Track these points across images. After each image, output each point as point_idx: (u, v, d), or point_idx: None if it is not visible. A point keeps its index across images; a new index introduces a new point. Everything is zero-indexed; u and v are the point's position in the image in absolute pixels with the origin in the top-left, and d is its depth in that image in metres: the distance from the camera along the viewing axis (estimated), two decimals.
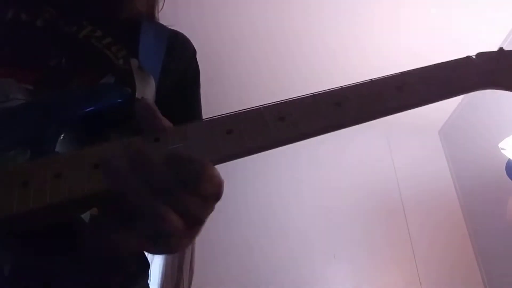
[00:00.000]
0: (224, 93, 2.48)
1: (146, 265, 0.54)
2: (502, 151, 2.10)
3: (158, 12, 0.68)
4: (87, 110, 0.42)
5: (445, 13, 2.10)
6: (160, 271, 2.25)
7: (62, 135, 0.40)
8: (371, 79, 0.42)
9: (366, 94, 0.40)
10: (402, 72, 0.42)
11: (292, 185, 2.60)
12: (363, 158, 2.74)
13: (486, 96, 2.46)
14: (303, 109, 0.38)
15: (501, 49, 0.44)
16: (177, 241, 0.31)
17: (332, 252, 2.46)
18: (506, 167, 2.18)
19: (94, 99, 0.44)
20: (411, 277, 2.44)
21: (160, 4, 0.67)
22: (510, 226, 2.20)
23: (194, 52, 0.72)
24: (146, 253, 0.51)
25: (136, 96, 0.51)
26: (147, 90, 0.55)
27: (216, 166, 0.32)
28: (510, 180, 2.15)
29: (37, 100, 0.46)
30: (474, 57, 0.45)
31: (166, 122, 0.35)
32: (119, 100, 0.44)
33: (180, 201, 0.29)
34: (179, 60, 0.66)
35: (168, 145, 0.34)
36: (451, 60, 0.45)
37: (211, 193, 0.30)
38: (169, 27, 0.69)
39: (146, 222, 0.29)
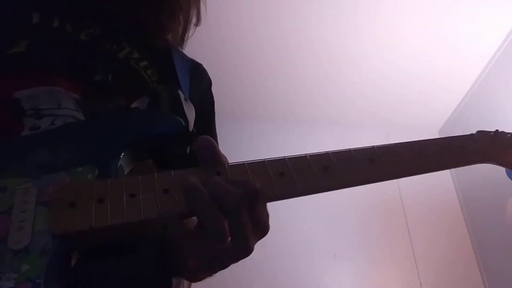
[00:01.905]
0: (235, 97, 2.48)
1: None
2: None
3: (187, 40, 0.69)
4: (148, 134, 0.45)
5: (445, 13, 2.10)
6: None
7: (122, 156, 0.43)
8: (402, 143, 0.50)
9: (393, 155, 0.48)
10: (424, 140, 0.51)
11: None
12: None
13: (486, 96, 2.46)
14: (344, 162, 0.44)
15: (497, 130, 0.55)
16: (228, 263, 0.36)
17: (332, 252, 2.46)
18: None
19: (155, 125, 0.46)
20: (411, 277, 2.44)
21: (191, 32, 0.69)
22: (510, 226, 2.20)
23: (210, 83, 0.74)
24: None
25: (189, 127, 0.55)
26: (192, 120, 0.59)
27: None
28: (510, 180, 2.15)
29: (99, 119, 0.48)
30: (475, 134, 0.55)
31: (225, 158, 0.39)
32: (175, 130, 0.46)
33: (242, 224, 0.34)
34: (199, 91, 0.68)
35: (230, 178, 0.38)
36: (460, 136, 0.55)
37: (265, 223, 0.36)
38: (189, 57, 0.71)
39: (212, 240, 0.34)
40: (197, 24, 0.68)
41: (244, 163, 0.41)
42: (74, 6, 0.58)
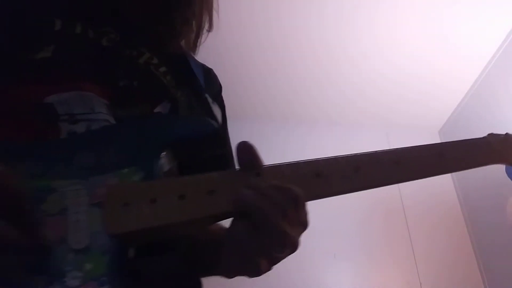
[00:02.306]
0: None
1: None
2: None
3: (199, 46, 0.71)
4: (185, 135, 0.47)
5: (444, 13, 2.10)
6: None
7: (162, 156, 0.45)
8: (422, 145, 0.54)
9: (415, 156, 0.51)
10: (441, 143, 0.55)
11: None
12: None
13: (486, 96, 2.46)
14: (372, 163, 0.47)
15: (507, 134, 0.59)
16: (277, 261, 0.39)
17: (332, 252, 2.46)
18: (506, 167, 2.18)
19: (191, 127, 0.48)
20: (411, 277, 2.44)
21: (203, 39, 0.70)
22: (510, 226, 2.20)
23: (221, 87, 0.75)
24: None
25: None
26: (220, 122, 0.62)
27: None
28: (510, 180, 2.15)
29: (140, 121, 0.49)
30: (487, 136, 0.58)
31: (262, 161, 0.41)
32: (209, 131, 0.48)
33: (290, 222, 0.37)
34: (211, 96, 0.69)
35: (269, 179, 0.41)
36: (473, 139, 0.57)
37: (304, 220, 0.39)
38: (200, 62, 0.73)
39: (268, 237, 0.36)
40: (210, 30, 0.69)
41: (281, 165, 0.43)
42: (94, 14, 0.59)
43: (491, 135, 0.59)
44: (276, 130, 2.78)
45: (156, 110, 0.55)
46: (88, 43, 0.55)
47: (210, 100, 0.61)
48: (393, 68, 2.44)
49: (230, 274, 0.44)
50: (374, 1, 2.04)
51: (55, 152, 0.42)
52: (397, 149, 0.50)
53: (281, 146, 2.56)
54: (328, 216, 2.53)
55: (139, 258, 0.41)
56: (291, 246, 0.38)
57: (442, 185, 2.76)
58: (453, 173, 2.80)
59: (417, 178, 0.51)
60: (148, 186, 0.39)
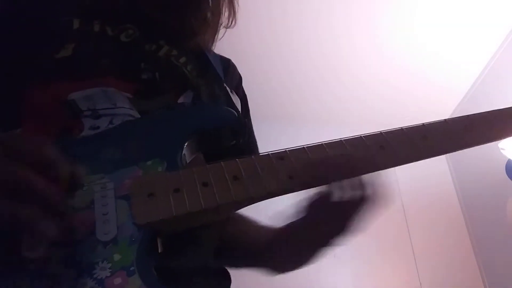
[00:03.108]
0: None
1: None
2: (502, 151, 2.10)
3: (216, 42, 0.71)
4: (207, 126, 0.47)
5: (443, 14, 2.10)
6: None
7: (185, 147, 0.45)
8: (446, 119, 0.52)
9: (443, 131, 0.50)
10: (467, 116, 0.53)
11: None
12: None
13: (486, 96, 2.46)
14: (398, 140, 0.47)
15: None
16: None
17: (332, 252, 2.46)
18: (506, 167, 2.18)
19: (213, 117, 0.48)
20: (411, 277, 2.44)
21: (220, 34, 0.70)
22: (510, 226, 2.20)
23: (240, 78, 0.76)
24: None
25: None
26: (240, 111, 0.62)
27: None
28: (510, 180, 2.16)
29: (162, 113, 0.50)
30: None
31: None
32: (231, 121, 0.49)
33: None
34: (232, 87, 0.70)
35: (293, 163, 0.42)
36: (502, 109, 0.55)
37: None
38: (219, 54, 0.73)
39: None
40: (229, 26, 0.70)
41: (304, 147, 0.44)
42: (111, 11, 0.60)
43: None
44: (283, 130, 2.78)
45: (180, 100, 0.55)
46: (107, 40, 0.56)
47: (228, 89, 0.62)
48: (395, 71, 2.44)
49: (276, 267, 0.45)
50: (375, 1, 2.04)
51: (81, 147, 0.44)
52: (423, 124, 0.50)
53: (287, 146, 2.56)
54: None
55: (168, 253, 0.42)
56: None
57: (442, 185, 2.76)
58: (453, 173, 2.80)
59: (444, 153, 0.49)
60: (172, 176, 0.40)
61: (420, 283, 2.42)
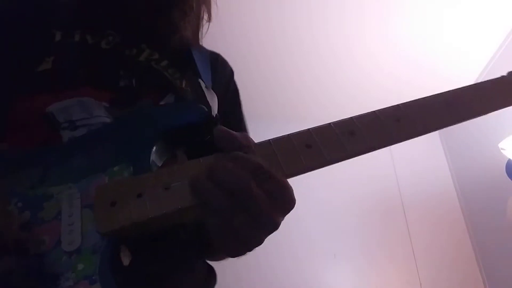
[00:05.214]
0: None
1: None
2: (502, 151, 2.10)
3: (202, 37, 0.71)
4: (172, 126, 0.46)
5: (442, 15, 2.10)
6: None
7: (153, 149, 0.44)
8: (427, 96, 0.48)
9: (420, 109, 0.46)
10: (455, 90, 0.48)
11: (292, 185, 2.58)
12: (362, 157, 2.74)
13: None
14: (369, 125, 0.43)
15: None
16: (257, 238, 0.38)
17: (332, 252, 2.46)
18: (506, 167, 2.18)
19: (181, 115, 0.47)
20: (411, 277, 2.44)
21: (204, 29, 0.71)
22: (510, 225, 2.20)
23: (232, 72, 0.76)
24: None
25: (212, 113, 0.57)
26: (215, 106, 0.61)
27: None
28: (510, 180, 2.16)
29: (127, 117, 0.49)
30: (506, 75, 0.52)
31: (246, 140, 0.40)
32: (200, 118, 0.47)
33: (258, 204, 0.36)
34: (222, 82, 0.70)
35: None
36: (491, 80, 0.50)
37: (285, 200, 0.38)
38: (208, 49, 0.73)
39: (218, 217, 0.36)
40: (209, 20, 0.70)
41: (270, 141, 0.42)
42: (92, 19, 0.60)
43: (510, 72, 0.52)
44: (278, 130, 2.78)
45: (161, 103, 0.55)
46: (87, 49, 0.57)
47: (203, 85, 0.61)
48: (395, 67, 2.44)
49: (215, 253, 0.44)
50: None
51: (54, 157, 0.44)
52: (398, 105, 0.46)
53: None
54: (328, 216, 2.54)
55: (143, 256, 0.42)
56: (265, 225, 0.37)
57: (442, 185, 2.76)
58: (453, 173, 2.80)
59: (421, 134, 0.45)
60: (133, 182, 0.40)
61: (420, 283, 2.43)
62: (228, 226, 0.36)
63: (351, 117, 0.44)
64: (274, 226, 0.37)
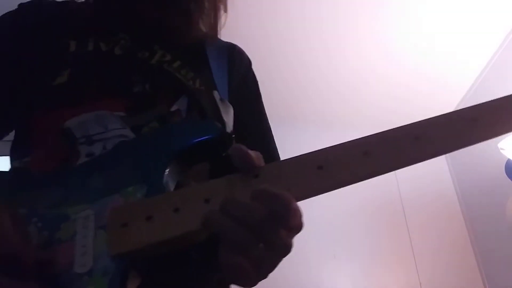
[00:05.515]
0: None
1: None
2: (501, 151, 2.11)
3: (221, 29, 0.69)
4: (186, 145, 0.46)
5: (443, 15, 2.10)
6: None
7: (167, 170, 0.44)
8: (448, 113, 0.44)
9: (443, 127, 0.42)
10: (472, 106, 0.43)
11: None
12: None
13: (486, 96, 2.46)
14: (385, 145, 0.40)
15: None
16: (272, 266, 0.37)
17: (332, 252, 2.46)
18: (505, 167, 2.18)
19: (193, 134, 0.47)
20: (411, 277, 2.44)
21: (223, 20, 0.69)
22: (510, 225, 2.20)
23: (249, 63, 0.74)
24: None
25: (226, 129, 0.56)
26: (230, 121, 0.60)
27: None
28: (510, 180, 2.16)
29: (141, 138, 0.49)
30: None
31: (259, 159, 0.39)
32: (213, 135, 0.47)
33: (273, 233, 0.35)
34: (240, 73, 0.69)
35: (267, 180, 0.39)
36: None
37: (295, 225, 0.37)
38: (225, 41, 0.71)
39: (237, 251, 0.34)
40: (225, 11, 0.68)
41: (280, 162, 0.41)
42: (103, 22, 0.60)
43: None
44: (287, 132, 2.78)
45: (173, 107, 0.55)
46: (101, 57, 0.57)
47: (218, 97, 0.60)
48: (392, 70, 2.44)
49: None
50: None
51: (72, 178, 0.45)
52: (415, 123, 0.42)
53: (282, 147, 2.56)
54: (328, 216, 2.53)
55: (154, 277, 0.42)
56: (280, 252, 0.36)
57: (441, 185, 2.76)
58: (453, 173, 2.80)
59: (440, 154, 0.40)
60: (145, 203, 0.40)
61: (420, 283, 2.43)
62: (246, 258, 0.35)
63: (365, 136, 0.42)
64: (287, 251, 0.37)
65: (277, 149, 0.72)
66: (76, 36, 0.57)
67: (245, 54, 0.75)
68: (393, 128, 0.41)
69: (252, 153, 0.39)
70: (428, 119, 0.43)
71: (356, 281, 2.41)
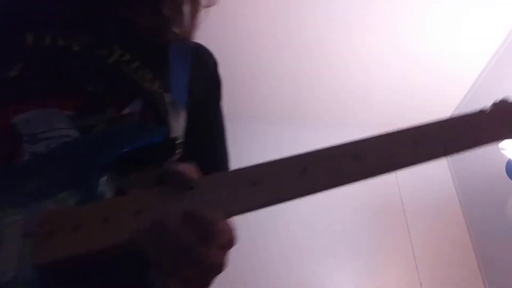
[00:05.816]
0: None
1: None
2: (502, 151, 2.10)
3: (198, 26, 0.67)
4: (125, 151, 0.44)
5: (442, 14, 2.10)
6: None
7: (105, 176, 0.42)
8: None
9: (382, 146, 0.42)
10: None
11: None
12: None
13: (486, 96, 2.46)
14: (323, 162, 0.40)
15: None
16: (206, 282, 0.36)
17: (332, 252, 2.46)
18: (506, 167, 2.18)
19: (133, 140, 0.45)
20: (411, 277, 2.44)
21: (200, 19, 0.67)
22: (510, 225, 2.20)
23: (215, 64, 0.72)
24: None
25: (171, 134, 0.54)
26: (179, 125, 0.57)
27: None
28: (510, 180, 2.15)
29: (78, 142, 0.47)
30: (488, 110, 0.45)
31: (191, 172, 0.39)
32: (155, 140, 0.45)
33: (202, 254, 0.34)
34: (203, 76, 0.67)
35: (202, 193, 0.38)
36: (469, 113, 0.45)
37: (224, 243, 0.36)
38: (192, 41, 0.69)
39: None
40: (209, 5, 0.66)
41: (217, 175, 0.41)
42: (65, 18, 0.58)
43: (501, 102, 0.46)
44: (267, 129, 2.78)
45: (126, 111, 0.52)
46: (57, 53, 0.54)
47: (169, 101, 0.57)
48: (390, 71, 2.44)
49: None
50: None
51: (9, 178, 0.42)
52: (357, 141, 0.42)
53: (273, 145, 2.56)
54: (328, 216, 2.53)
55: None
56: (210, 271, 0.36)
57: (442, 185, 2.76)
58: (453, 173, 2.80)
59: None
60: (74, 212, 0.38)
61: (420, 283, 2.42)
62: (173, 276, 0.34)
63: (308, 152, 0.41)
64: (219, 270, 0.36)
65: (227, 153, 0.72)
66: (34, 28, 0.55)
67: (212, 55, 0.72)
68: (334, 145, 0.41)
69: (184, 167, 0.39)
70: (365, 139, 0.42)
71: (357, 281, 2.41)
